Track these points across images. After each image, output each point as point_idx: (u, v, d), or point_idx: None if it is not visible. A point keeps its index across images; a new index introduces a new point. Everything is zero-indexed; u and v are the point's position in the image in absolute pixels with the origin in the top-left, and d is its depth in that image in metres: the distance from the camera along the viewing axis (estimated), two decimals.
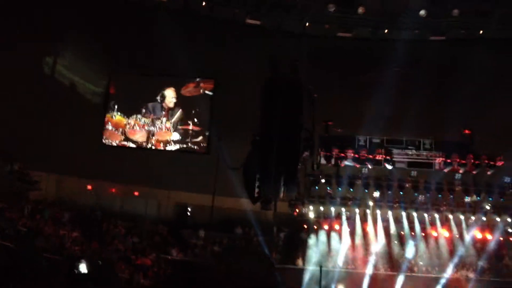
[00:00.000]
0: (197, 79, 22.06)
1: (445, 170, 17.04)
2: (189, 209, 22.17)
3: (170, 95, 22.01)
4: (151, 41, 20.72)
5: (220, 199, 20.37)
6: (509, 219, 17.17)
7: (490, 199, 17.00)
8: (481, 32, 21.04)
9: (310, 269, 16.92)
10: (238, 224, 20.03)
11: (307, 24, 21.85)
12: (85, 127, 20.55)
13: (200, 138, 21.70)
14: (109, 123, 21.79)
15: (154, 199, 21.86)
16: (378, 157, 17.18)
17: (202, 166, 20.76)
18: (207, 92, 21.98)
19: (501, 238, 17.70)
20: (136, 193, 21.62)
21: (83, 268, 14.21)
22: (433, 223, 17.85)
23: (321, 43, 21.83)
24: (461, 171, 16.88)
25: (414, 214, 17.65)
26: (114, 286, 14.74)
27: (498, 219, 17.19)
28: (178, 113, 21.86)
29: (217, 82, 21.84)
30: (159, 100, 21.94)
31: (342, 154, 17.13)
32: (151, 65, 21.60)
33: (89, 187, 21.15)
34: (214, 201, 20.31)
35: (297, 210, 17.52)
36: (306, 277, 16.71)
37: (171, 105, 21.96)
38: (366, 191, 17.44)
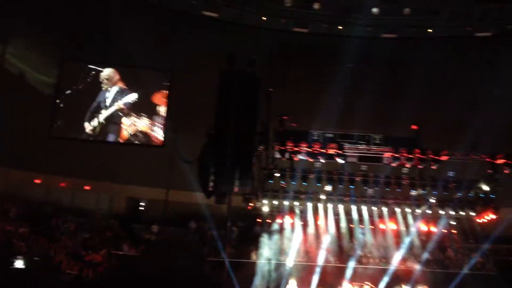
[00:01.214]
0: (153, 71, 21.65)
1: (393, 164, 17.54)
2: (142, 203, 21.90)
3: (104, 75, 21.15)
4: (105, 31, 20.16)
5: (174, 193, 20.18)
6: (452, 212, 17.97)
7: (435, 192, 17.62)
8: (430, 30, 21.93)
9: (262, 262, 17.11)
10: (192, 218, 19.97)
11: (263, 18, 21.98)
12: (34, 118, 19.77)
13: (154, 130, 21.35)
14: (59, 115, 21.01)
15: (106, 193, 21.40)
16: (331, 152, 17.49)
17: (156, 159, 20.50)
18: (163, 84, 21.63)
19: (445, 230, 18.59)
20: (87, 187, 21.07)
21: (19, 264, 13.77)
22: (381, 216, 18.49)
23: (277, 38, 22.01)
24: (408, 165, 17.46)
25: (364, 207, 18.20)
26: (55, 283, 14.28)
27: (442, 212, 17.96)
28: (126, 98, 21.26)
29: (173, 74, 21.53)
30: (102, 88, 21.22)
31: (296, 148, 17.31)
32: (104, 56, 21.02)
33: (37, 181, 20.41)
34: (168, 195, 20.11)
35: (251, 204, 17.62)
36: (258, 270, 16.89)
37: (106, 85, 21.16)
38: (319, 184, 17.74)
